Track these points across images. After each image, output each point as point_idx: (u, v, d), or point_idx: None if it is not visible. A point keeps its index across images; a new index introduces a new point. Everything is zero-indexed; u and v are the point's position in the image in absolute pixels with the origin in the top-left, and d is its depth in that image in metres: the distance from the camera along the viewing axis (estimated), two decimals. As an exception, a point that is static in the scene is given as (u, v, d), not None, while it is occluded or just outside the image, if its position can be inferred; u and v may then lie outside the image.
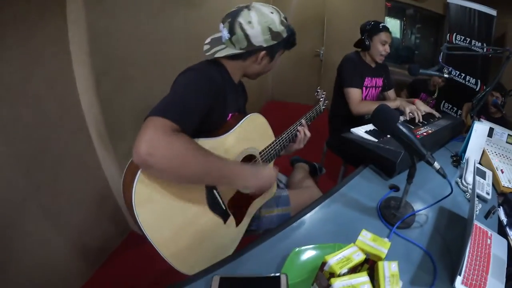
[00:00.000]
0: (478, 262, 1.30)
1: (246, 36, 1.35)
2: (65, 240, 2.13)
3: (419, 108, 2.54)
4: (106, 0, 2.08)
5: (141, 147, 0.93)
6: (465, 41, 4.75)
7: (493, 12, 4.53)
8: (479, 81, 4.45)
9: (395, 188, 1.65)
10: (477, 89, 4.37)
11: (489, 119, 3.46)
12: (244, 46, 1.38)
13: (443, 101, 4.89)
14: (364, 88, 2.72)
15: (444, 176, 1.24)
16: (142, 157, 0.94)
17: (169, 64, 2.20)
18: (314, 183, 1.98)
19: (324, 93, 1.95)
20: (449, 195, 1.33)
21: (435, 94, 3.80)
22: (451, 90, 4.57)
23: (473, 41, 4.70)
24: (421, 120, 2.36)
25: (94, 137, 2.25)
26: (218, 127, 1.38)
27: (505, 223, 1.76)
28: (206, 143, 1.21)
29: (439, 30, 5.59)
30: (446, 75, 2.49)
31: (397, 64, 5.78)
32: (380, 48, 2.62)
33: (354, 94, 2.59)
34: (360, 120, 2.47)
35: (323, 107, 1.92)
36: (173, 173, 1.01)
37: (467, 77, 4.71)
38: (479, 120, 3.59)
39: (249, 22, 1.34)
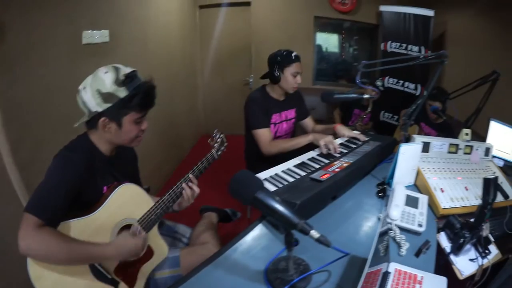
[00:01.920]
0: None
1: (84, 103, 1.36)
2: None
3: (340, 134, 2.50)
4: (15, 67, 2.03)
5: (19, 244, 1.17)
6: (400, 47, 4.73)
7: (430, 13, 4.56)
8: (418, 85, 4.41)
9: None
10: (417, 94, 4.32)
11: (431, 125, 3.37)
12: (87, 114, 1.38)
13: (382, 111, 4.86)
14: (272, 126, 2.62)
15: (327, 245, 1.05)
16: (22, 251, 1.18)
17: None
18: (214, 236, 1.84)
19: (221, 136, 1.81)
20: (342, 257, 1.16)
21: (369, 108, 3.70)
22: (389, 98, 4.50)
23: (409, 46, 4.69)
24: (337, 151, 2.20)
25: (22, 201, 2.15)
26: (93, 202, 1.42)
27: (448, 251, 1.56)
28: (77, 224, 1.33)
29: (374, 40, 5.64)
30: (366, 96, 2.39)
31: (332, 82, 5.85)
32: (292, 80, 2.50)
33: (262, 135, 2.49)
34: (274, 159, 2.24)
35: (219, 153, 1.78)
36: (48, 261, 1.24)
37: (406, 83, 4.65)
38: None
39: (84, 88, 1.36)
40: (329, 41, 6.06)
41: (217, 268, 1.29)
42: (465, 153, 2.41)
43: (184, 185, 1.59)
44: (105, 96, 1.33)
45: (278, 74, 2.48)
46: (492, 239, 1.70)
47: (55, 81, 2.31)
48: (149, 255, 1.54)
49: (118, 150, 1.58)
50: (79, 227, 1.32)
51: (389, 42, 4.84)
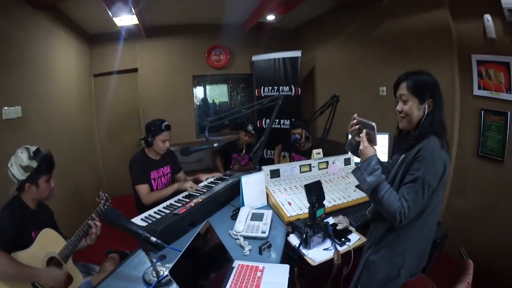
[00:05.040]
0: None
1: (13, 175, 2.04)
2: None
3: (200, 179, 3.24)
4: None
5: None
6: (272, 90, 5.52)
7: (298, 54, 5.44)
8: (293, 119, 5.07)
9: (162, 257, 1.99)
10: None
11: (299, 153, 4.06)
12: (17, 182, 2.05)
13: (265, 149, 5.53)
14: (153, 181, 3.15)
15: (163, 246, 1.68)
16: None
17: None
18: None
19: (105, 195, 2.38)
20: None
21: (243, 151, 4.35)
22: (270, 137, 5.01)
23: (280, 87, 5.50)
24: (196, 189, 2.90)
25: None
26: (27, 241, 2.01)
27: (297, 246, 2.07)
28: (19, 254, 1.92)
29: (251, 87, 6.45)
30: (215, 144, 2.99)
31: (216, 132, 6.45)
32: (161, 145, 3.10)
33: (141, 190, 3.03)
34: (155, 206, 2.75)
35: (106, 207, 2.31)
36: (2, 275, 1.79)
37: (281, 121, 5.44)
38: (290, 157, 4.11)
39: (11, 165, 2.05)
40: (220, 92, 6.83)
41: (113, 278, 1.84)
42: (321, 169, 3.09)
43: (90, 222, 2.25)
44: (25, 169, 2.04)
45: (151, 140, 3.05)
46: (352, 228, 2.28)
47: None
48: (70, 281, 2.13)
49: (39, 206, 2.24)
50: (21, 257, 1.91)
51: (262, 87, 5.64)
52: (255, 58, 5.76)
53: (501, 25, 2.78)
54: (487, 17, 2.82)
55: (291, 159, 4.12)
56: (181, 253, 1.48)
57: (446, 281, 1.81)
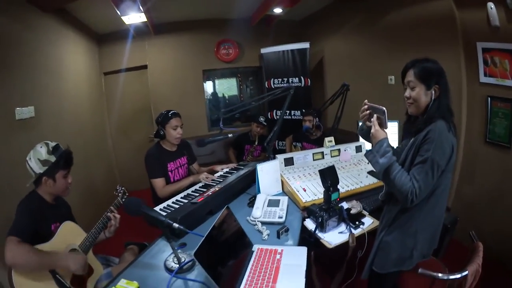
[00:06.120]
0: (262, 277, 1.65)
1: (31, 168, 2.11)
2: None
3: (215, 170, 3.35)
4: None
5: (5, 257, 1.80)
6: (282, 82, 5.57)
7: (306, 45, 5.48)
8: (303, 110, 5.16)
9: (182, 245, 2.06)
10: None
11: (311, 141, 4.14)
12: (34, 175, 2.11)
13: (277, 140, 5.57)
14: (170, 173, 3.20)
15: (185, 231, 1.78)
16: (8, 263, 1.81)
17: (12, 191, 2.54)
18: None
19: (123, 189, 2.52)
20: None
21: (256, 143, 4.46)
22: (281, 128, 5.14)
23: (290, 79, 5.54)
24: (213, 180, 2.98)
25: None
26: (47, 234, 2.09)
27: (313, 230, 2.14)
28: (42, 247, 1.97)
29: (261, 79, 6.52)
30: (230, 135, 3.12)
31: (228, 125, 6.35)
32: (173, 132, 3.13)
33: (157, 183, 3.09)
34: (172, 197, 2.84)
35: (123, 200, 2.44)
36: (26, 266, 1.87)
37: (292, 112, 5.49)
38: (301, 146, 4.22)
39: (30, 158, 2.11)
40: (229, 86, 6.91)
41: (134, 267, 1.90)
42: (333, 156, 3.18)
43: (109, 214, 2.33)
44: (43, 163, 2.09)
45: (163, 132, 3.12)
46: (366, 213, 2.34)
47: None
48: (91, 272, 2.20)
49: (56, 200, 2.30)
50: (43, 249, 1.96)
51: (272, 80, 5.69)
52: (263, 50, 5.79)
53: (504, 13, 2.82)
54: (490, 5, 2.86)
55: (303, 149, 4.19)
56: (204, 237, 1.57)
57: (456, 266, 1.83)
